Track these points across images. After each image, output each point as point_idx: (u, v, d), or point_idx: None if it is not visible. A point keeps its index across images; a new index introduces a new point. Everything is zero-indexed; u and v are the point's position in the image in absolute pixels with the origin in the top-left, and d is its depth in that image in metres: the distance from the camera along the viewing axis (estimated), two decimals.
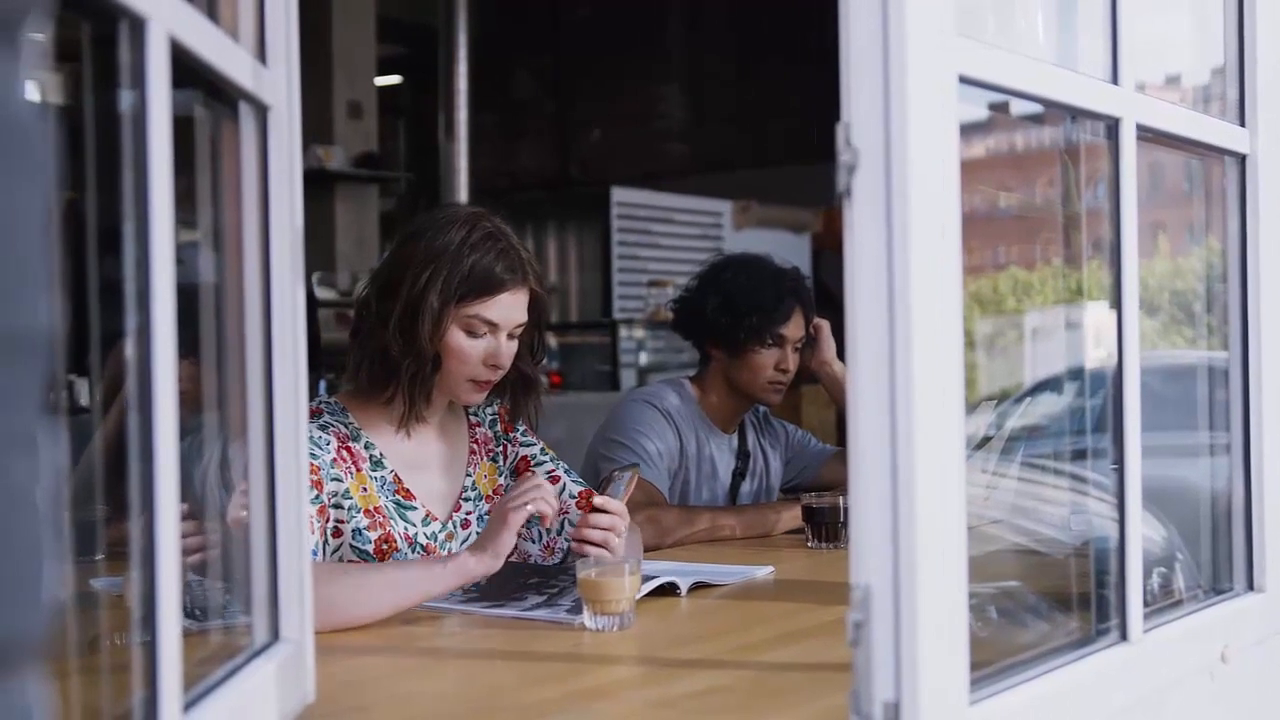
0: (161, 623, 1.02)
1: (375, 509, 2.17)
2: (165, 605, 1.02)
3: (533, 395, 2.34)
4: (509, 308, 2.19)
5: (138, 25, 1.00)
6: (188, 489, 1.09)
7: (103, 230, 1.06)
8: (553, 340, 7.73)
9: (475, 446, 2.37)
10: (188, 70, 1.12)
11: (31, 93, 0.60)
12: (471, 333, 2.17)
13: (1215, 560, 1.88)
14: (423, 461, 2.28)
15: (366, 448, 2.21)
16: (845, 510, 2.64)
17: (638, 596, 1.92)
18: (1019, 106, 1.58)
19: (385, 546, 2.16)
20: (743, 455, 3.16)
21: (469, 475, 2.34)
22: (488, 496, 2.34)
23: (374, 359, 2.19)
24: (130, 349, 1.01)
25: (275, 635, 1.38)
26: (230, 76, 1.24)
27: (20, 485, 0.56)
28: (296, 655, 1.40)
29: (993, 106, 1.48)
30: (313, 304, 4.05)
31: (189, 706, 1.10)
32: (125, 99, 1.02)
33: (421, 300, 2.13)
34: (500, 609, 1.99)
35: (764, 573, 2.35)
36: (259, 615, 1.37)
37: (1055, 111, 1.63)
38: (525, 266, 2.21)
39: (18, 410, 0.57)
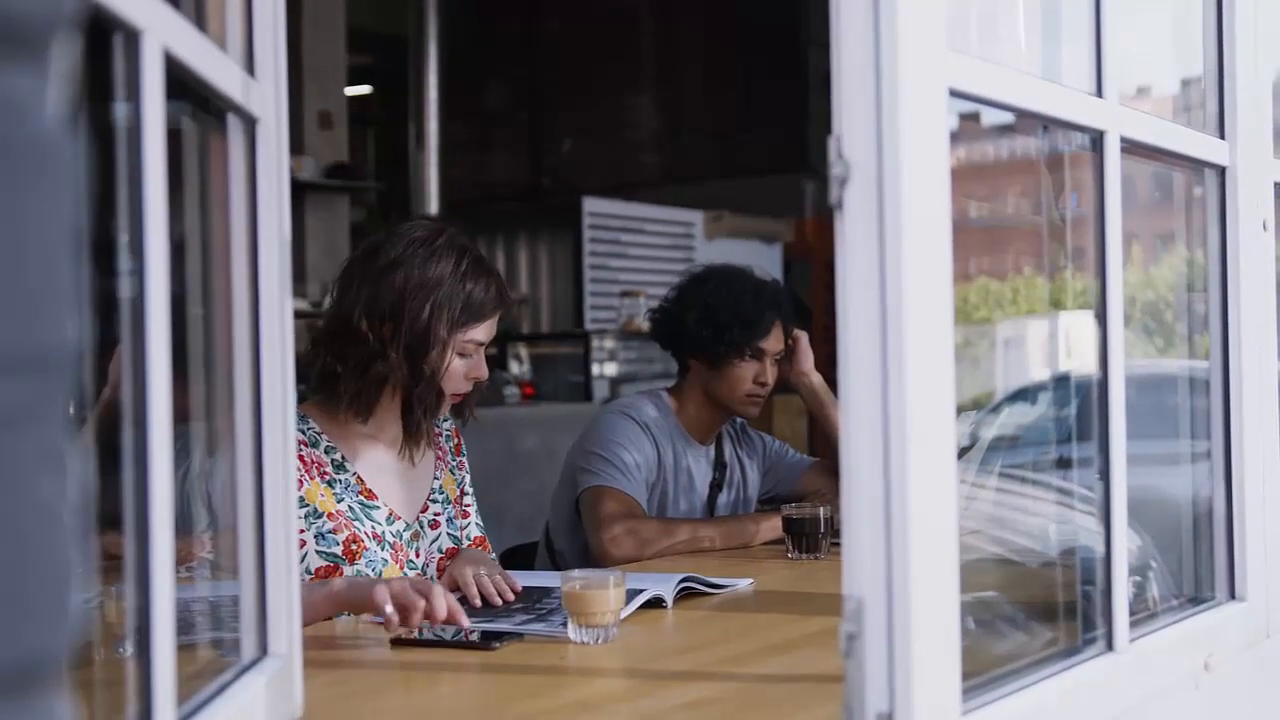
0: (156, 638, 1.01)
1: (338, 512, 2.22)
2: (160, 620, 1.01)
3: (479, 389, 2.40)
4: (493, 326, 2.32)
5: (132, 37, 1.00)
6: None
7: (93, 242, 1.05)
8: (524, 351, 7.72)
9: (440, 453, 2.45)
10: (177, 82, 1.11)
11: (59, 109, 0.60)
12: (463, 355, 2.28)
13: (1197, 569, 1.89)
14: (388, 465, 2.34)
15: (327, 452, 2.27)
16: (825, 521, 2.65)
17: (626, 613, 1.91)
18: (990, 117, 1.59)
19: (354, 547, 2.22)
20: (720, 466, 3.15)
21: (436, 479, 2.41)
22: (454, 501, 2.43)
23: (375, 385, 2.24)
24: (125, 361, 1.00)
25: (264, 650, 1.37)
26: (221, 89, 1.23)
27: (49, 502, 0.56)
28: (285, 670, 1.39)
29: (964, 116, 1.49)
30: None
31: None
32: (119, 110, 1.02)
33: (429, 333, 2.22)
34: (492, 623, 1.98)
35: (744, 584, 2.35)
36: (248, 630, 1.36)
37: (1029, 122, 1.64)
38: (505, 286, 2.35)
39: (46, 427, 0.56)
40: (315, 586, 2.03)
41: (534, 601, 2.12)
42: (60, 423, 0.57)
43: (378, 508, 2.27)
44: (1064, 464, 1.94)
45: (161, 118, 1.03)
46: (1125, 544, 1.55)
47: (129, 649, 1.11)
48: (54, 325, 0.57)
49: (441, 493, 2.40)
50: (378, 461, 2.32)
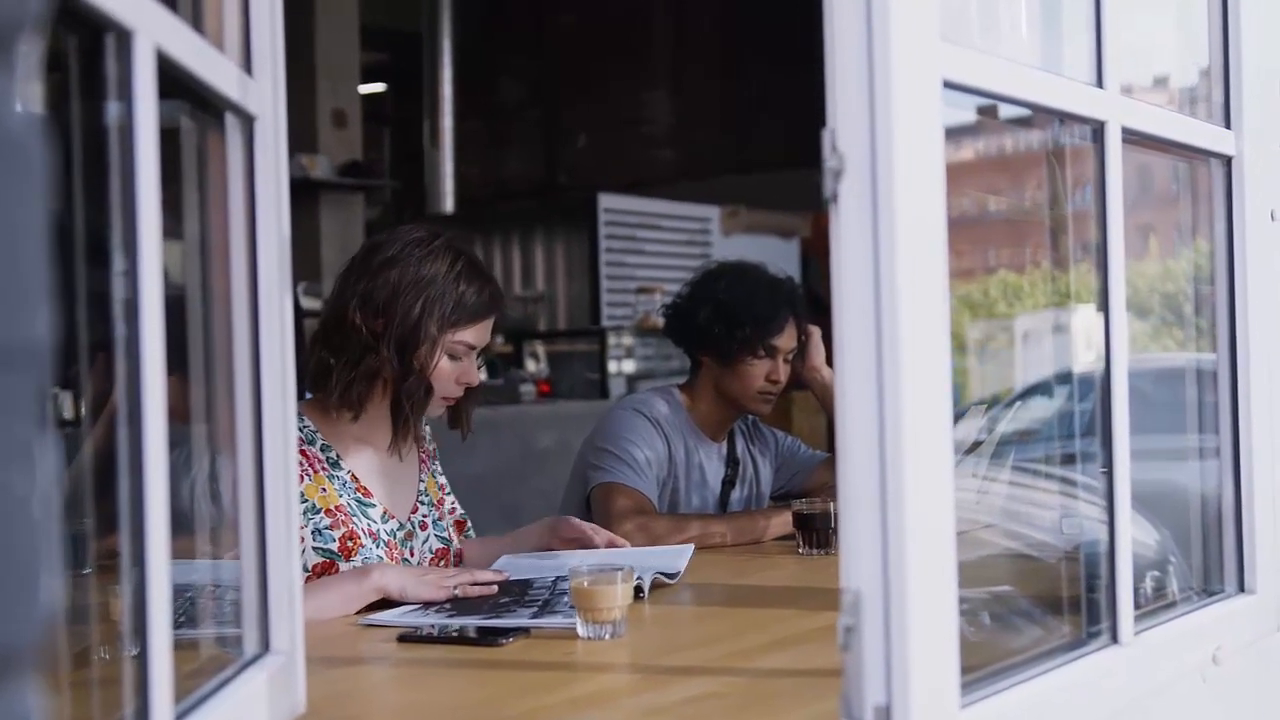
0: (152, 635, 1.02)
1: (336, 508, 2.26)
2: (156, 617, 1.02)
3: (474, 399, 2.42)
4: (487, 331, 2.35)
5: (124, 37, 1.00)
6: (176, 502, 1.09)
7: (87, 242, 1.06)
8: (540, 348, 7.73)
9: (424, 456, 2.49)
10: (173, 81, 1.11)
11: (27, 105, 0.61)
12: (453, 356, 2.31)
13: (1206, 562, 1.89)
14: (379, 466, 2.37)
15: (323, 450, 2.30)
16: (836, 516, 2.64)
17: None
18: (1007, 110, 1.59)
19: (350, 544, 2.25)
20: (732, 463, 3.15)
21: (421, 481, 2.46)
22: (436, 504, 2.47)
23: (365, 378, 2.27)
24: (120, 362, 1.01)
25: (266, 646, 1.38)
26: (216, 88, 1.23)
27: (19, 496, 0.57)
28: (287, 666, 1.39)
29: (981, 110, 1.48)
30: (298, 314, 4.10)
31: (180, 717, 1.10)
32: (112, 110, 1.02)
33: (420, 329, 2.26)
34: (498, 620, 1.97)
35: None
36: (249, 626, 1.37)
37: (1042, 115, 1.63)
38: (500, 293, 2.38)
39: (16, 421, 0.57)
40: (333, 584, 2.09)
41: (521, 596, 2.12)
42: (31, 416, 0.58)
43: (373, 505, 2.32)
44: (1079, 458, 1.93)
45: (154, 119, 1.03)
46: (1130, 536, 1.55)
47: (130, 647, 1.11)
48: (25, 320, 0.58)
49: (426, 495, 2.45)
50: (369, 462, 2.36)
